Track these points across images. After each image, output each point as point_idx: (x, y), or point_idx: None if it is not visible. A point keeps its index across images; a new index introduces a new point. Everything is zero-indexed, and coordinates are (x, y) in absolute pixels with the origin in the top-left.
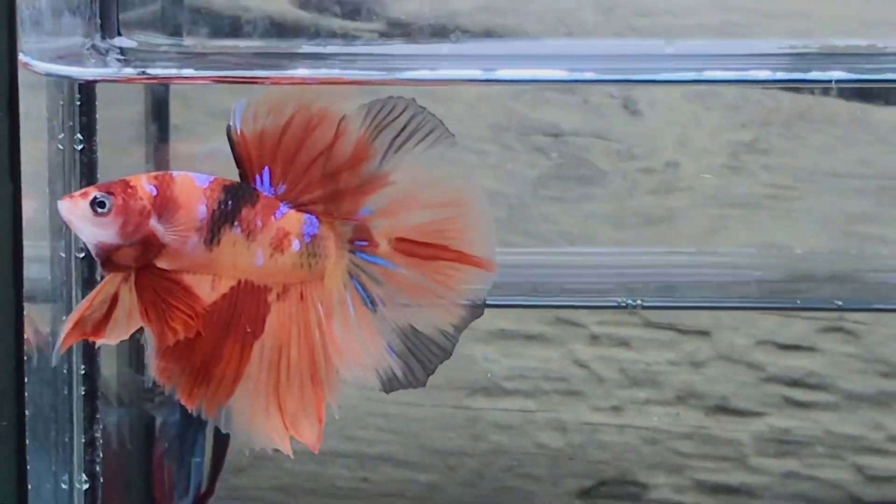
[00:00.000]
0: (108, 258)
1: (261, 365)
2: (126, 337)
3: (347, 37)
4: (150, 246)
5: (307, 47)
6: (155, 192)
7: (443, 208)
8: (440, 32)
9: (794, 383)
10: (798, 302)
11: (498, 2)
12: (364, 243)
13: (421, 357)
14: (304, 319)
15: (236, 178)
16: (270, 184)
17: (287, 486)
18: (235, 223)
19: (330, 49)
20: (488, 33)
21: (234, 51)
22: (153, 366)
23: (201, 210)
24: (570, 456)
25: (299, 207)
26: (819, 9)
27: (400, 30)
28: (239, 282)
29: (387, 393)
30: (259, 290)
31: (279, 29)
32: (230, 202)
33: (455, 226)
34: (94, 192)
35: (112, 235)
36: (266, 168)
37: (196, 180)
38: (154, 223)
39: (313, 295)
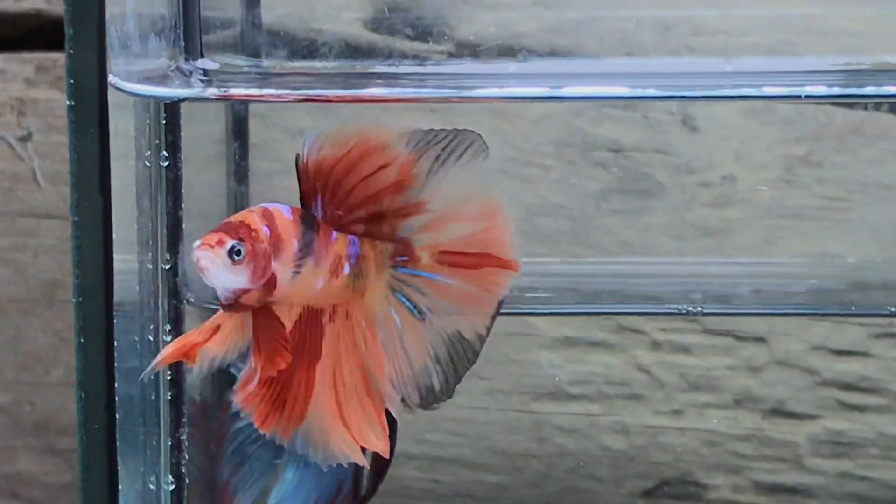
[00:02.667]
0: (237, 301)
1: (323, 386)
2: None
3: (418, 58)
4: (270, 286)
5: (380, 68)
6: (268, 233)
7: (479, 220)
8: (506, 52)
9: (848, 387)
10: (853, 308)
11: (561, 23)
12: (405, 258)
13: (458, 366)
14: (351, 337)
15: None
16: (322, 208)
17: None
18: (311, 252)
19: (402, 69)
20: (552, 53)
21: (310, 71)
22: (241, 395)
23: (294, 244)
24: (632, 457)
25: (343, 229)
26: (870, 27)
27: (468, 51)
28: (304, 308)
29: (423, 409)
30: (316, 314)
31: (353, 51)
32: (307, 232)
33: (491, 235)
34: (228, 241)
35: (245, 281)
36: (318, 194)
37: (285, 213)
38: (274, 264)
39: (357, 313)
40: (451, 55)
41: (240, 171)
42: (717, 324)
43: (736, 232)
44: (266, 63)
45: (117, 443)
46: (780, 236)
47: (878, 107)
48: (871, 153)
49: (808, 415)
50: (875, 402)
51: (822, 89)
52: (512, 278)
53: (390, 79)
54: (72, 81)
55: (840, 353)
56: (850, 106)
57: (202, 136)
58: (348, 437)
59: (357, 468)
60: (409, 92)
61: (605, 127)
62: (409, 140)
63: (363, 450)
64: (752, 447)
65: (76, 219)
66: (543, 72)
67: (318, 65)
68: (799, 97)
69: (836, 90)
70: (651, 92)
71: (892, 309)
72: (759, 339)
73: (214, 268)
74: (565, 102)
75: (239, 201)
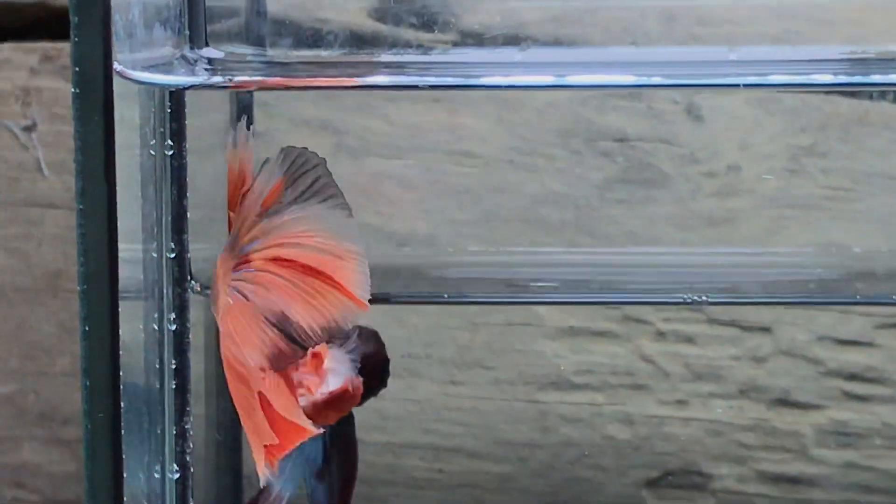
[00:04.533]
0: None
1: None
2: None
3: (423, 47)
4: None
5: (385, 57)
6: None
7: (323, 253)
8: (511, 42)
9: (853, 377)
10: (857, 297)
11: (565, 12)
12: (243, 264)
13: (298, 338)
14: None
15: None
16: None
17: (366, 477)
18: None
19: (406, 58)
20: (556, 42)
21: (315, 60)
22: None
23: None
24: (637, 447)
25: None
26: (875, 17)
27: (473, 40)
28: None
29: (276, 371)
30: None
31: (357, 40)
32: None
33: (333, 266)
34: None
35: None
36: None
37: None
38: None
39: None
40: (455, 44)
41: None
42: (722, 314)
43: (741, 222)
44: (271, 52)
45: (122, 432)
46: (785, 226)
47: (883, 96)
48: (877, 143)
49: (813, 405)
50: (880, 393)
51: (827, 77)
52: (355, 313)
53: (395, 67)
54: (77, 69)
55: (845, 343)
56: (855, 96)
57: (207, 126)
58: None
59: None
60: (413, 80)
61: (610, 117)
62: (282, 163)
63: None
64: (757, 437)
65: (81, 207)
66: (547, 61)
67: (323, 54)
68: (804, 85)
69: (843, 78)
70: (656, 80)
71: None
72: (764, 329)
73: None
74: (570, 92)
75: None
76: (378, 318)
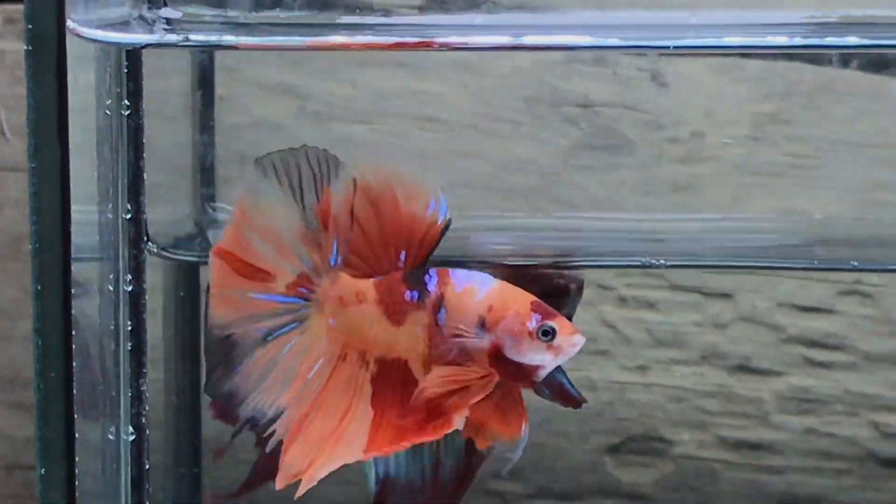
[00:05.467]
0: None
1: None
2: None
3: (386, 10)
4: None
5: (346, 18)
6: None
7: None
8: (474, 7)
9: (814, 344)
10: (815, 262)
11: None
12: None
13: None
14: None
15: None
16: None
17: None
18: None
19: (368, 20)
20: (520, 6)
21: (275, 21)
22: None
23: None
24: (599, 413)
25: None
26: None
27: (436, 4)
28: None
29: None
30: None
31: (319, 2)
32: None
33: None
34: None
35: None
36: None
37: None
38: None
39: None
40: (420, 9)
41: (205, 124)
42: (684, 279)
43: (705, 188)
44: (231, 13)
45: (74, 392)
46: (749, 193)
47: (846, 63)
48: (841, 110)
49: (774, 371)
50: (840, 359)
51: (782, 39)
52: None
53: (356, 29)
54: (30, 27)
55: (806, 309)
56: (820, 63)
57: (167, 90)
58: None
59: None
60: (370, 40)
61: (575, 82)
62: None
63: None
64: (718, 403)
65: (33, 166)
66: (509, 23)
67: (283, 15)
68: (760, 48)
69: (798, 41)
70: (612, 42)
71: (855, 263)
72: (726, 296)
73: None
74: (535, 58)
75: (203, 154)
76: None
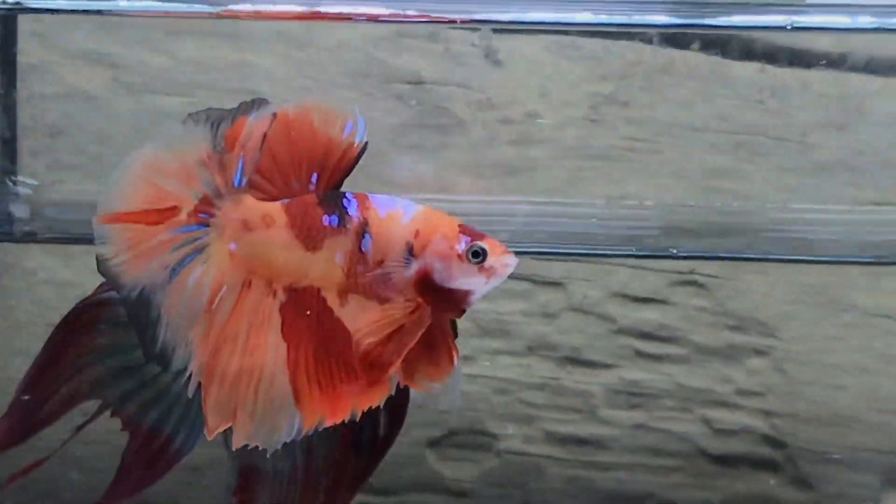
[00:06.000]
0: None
1: None
2: None
3: None
4: None
5: None
6: None
7: None
8: None
9: (646, 336)
10: (634, 249)
11: None
12: None
13: None
14: None
15: None
16: None
17: None
18: None
19: None
20: None
21: None
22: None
23: None
24: (420, 405)
25: None
26: None
27: None
28: None
29: None
30: None
31: None
32: None
33: None
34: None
35: None
36: None
37: None
38: None
39: None
40: None
41: (6, 94)
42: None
43: (538, 171)
44: None
45: None
46: (584, 177)
47: (686, 45)
48: (681, 93)
49: (604, 364)
50: (673, 352)
51: (586, 16)
52: None
53: None
54: None
55: (638, 300)
56: (656, 42)
57: None
58: None
59: None
60: (174, 7)
61: (405, 58)
62: None
63: None
64: (545, 396)
65: None
66: None
67: None
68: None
69: (603, 18)
70: (411, 12)
71: (675, 251)
72: (556, 284)
73: None
74: (363, 31)
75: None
76: None
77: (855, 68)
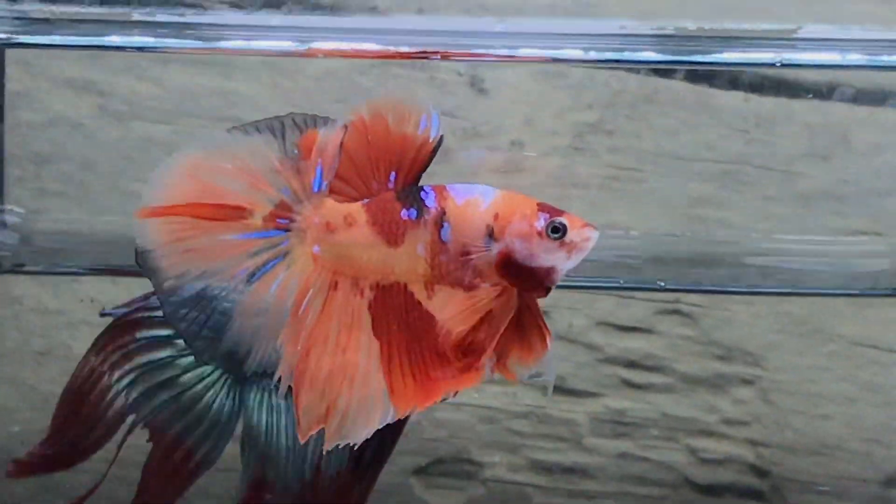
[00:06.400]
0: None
1: None
2: None
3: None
4: None
5: (137, 16)
6: None
7: None
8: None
9: (631, 365)
10: (621, 281)
11: None
12: None
13: None
14: None
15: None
16: None
17: None
18: None
19: (161, 18)
20: (335, 6)
21: (70, 17)
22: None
23: None
24: (406, 433)
25: None
26: None
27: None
28: None
29: None
30: None
31: None
32: None
33: None
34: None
35: None
36: None
37: None
38: None
39: None
40: (238, 6)
41: None
42: None
43: None
44: (25, 7)
45: None
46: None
47: (667, 74)
48: (665, 122)
49: (590, 392)
50: (658, 381)
51: (576, 53)
52: None
53: (148, 27)
54: None
55: (624, 329)
56: (642, 72)
57: None
58: None
59: None
60: (146, 42)
61: (390, 86)
62: None
63: None
64: (531, 425)
65: None
66: (307, 26)
67: (81, 11)
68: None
69: (593, 55)
70: (403, 50)
71: (663, 284)
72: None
73: None
74: (349, 60)
75: None
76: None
77: (841, 99)
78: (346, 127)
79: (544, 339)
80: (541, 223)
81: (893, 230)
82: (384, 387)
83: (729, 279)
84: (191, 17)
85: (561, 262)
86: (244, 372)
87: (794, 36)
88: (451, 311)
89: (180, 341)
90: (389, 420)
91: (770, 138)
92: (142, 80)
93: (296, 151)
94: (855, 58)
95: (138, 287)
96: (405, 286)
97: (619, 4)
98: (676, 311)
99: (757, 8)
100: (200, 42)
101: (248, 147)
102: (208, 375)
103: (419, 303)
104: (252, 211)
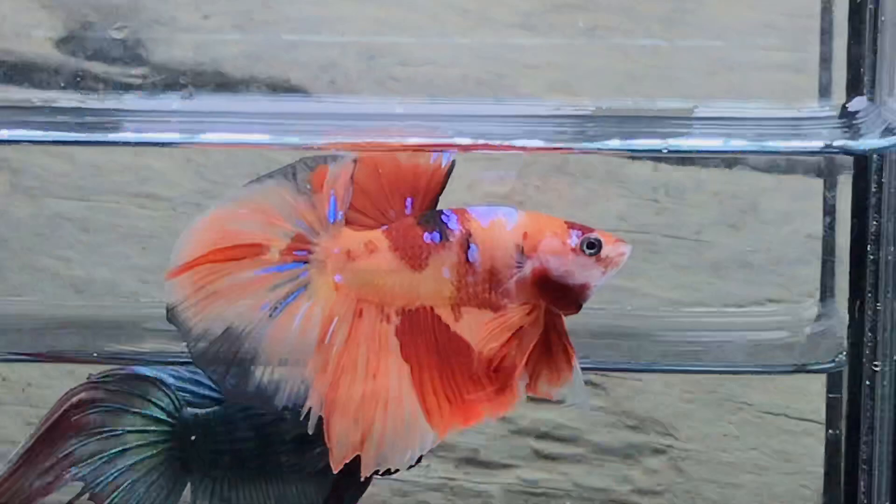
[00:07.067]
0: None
1: None
2: None
3: (109, 82)
4: None
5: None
6: None
7: None
8: (209, 79)
9: (544, 436)
10: None
11: (262, 49)
12: None
13: None
14: None
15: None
16: None
17: None
18: None
19: (63, 103)
20: (251, 80)
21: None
22: None
23: None
24: None
25: None
26: (580, 61)
27: (165, 75)
28: None
29: None
30: None
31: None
32: None
33: None
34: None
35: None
36: None
37: None
38: None
39: None
40: (145, 77)
41: None
42: None
43: None
44: None
45: None
46: None
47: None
48: (576, 192)
49: (502, 464)
50: (571, 452)
51: (465, 141)
52: None
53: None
54: None
55: (536, 400)
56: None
57: None
58: None
59: None
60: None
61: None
62: None
63: None
64: (444, 497)
65: None
66: (205, 109)
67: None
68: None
69: (482, 141)
70: (292, 140)
71: None
72: None
73: None
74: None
75: None
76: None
77: (751, 167)
78: (355, 161)
79: (570, 361)
80: (574, 240)
81: (803, 299)
82: (419, 409)
83: (640, 353)
84: (91, 102)
85: (596, 278)
86: (275, 407)
87: (692, 115)
88: (481, 331)
89: (136, 415)
90: (431, 444)
91: (680, 207)
92: (53, 157)
93: (308, 186)
94: (739, 144)
95: (51, 367)
96: (431, 310)
97: (530, 78)
98: (587, 382)
99: (666, 78)
100: (99, 134)
101: (262, 191)
102: (153, 456)
103: (447, 326)
104: (268, 247)
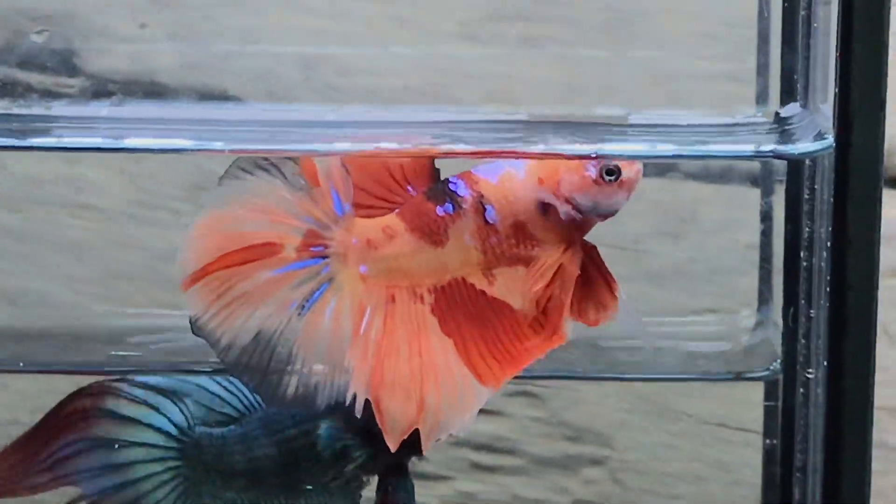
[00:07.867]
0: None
1: None
2: None
3: (43, 92)
4: None
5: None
6: None
7: None
8: (144, 89)
9: (482, 447)
10: None
11: (200, 59)
12: None
13: None
14: None
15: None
16: None
17: None
18: None
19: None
20: (188, 89)
21: None
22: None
23: None
24: None
25: None
26: (519, 71)
27: (101, 84)
28: None
29: None
30: None
31: None
32: None
33: None
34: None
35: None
36: None
37: None
38: None
39: None
40: (83, 90)
41: None
42: None
43: None
44: None
45: None
46: None
47: None
48: None
49: (440, 475)
50: (509, 463)
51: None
52: None
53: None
54: None
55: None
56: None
57: None
58: None
59: None
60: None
61: None
62: None
63: None
64: None
65: None
66: (135, 116)
67: None
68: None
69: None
70: (217, 145)
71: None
72: None
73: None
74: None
75: None
76: None
77: (689, 175)
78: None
79: (613, 291)
80: (592, 171)
81: (741, 308)
82: (470, 374)
83: (578, 362)
84: (18, 108)
85: (622, 200)
86: (318, 408)
87: (627, 123)
88: (517, 288)
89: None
90: (484, 401)
91: (618, 216)
92: None
93: (301, 182)
94: (665, 148)
95: None
96: (464, 280)
97: (468, 88)
98: (525, 393)
99: (606, 87)
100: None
101: (252, 189)
102: (158, 473)
103: (482, 292)
104: (282, 245)
